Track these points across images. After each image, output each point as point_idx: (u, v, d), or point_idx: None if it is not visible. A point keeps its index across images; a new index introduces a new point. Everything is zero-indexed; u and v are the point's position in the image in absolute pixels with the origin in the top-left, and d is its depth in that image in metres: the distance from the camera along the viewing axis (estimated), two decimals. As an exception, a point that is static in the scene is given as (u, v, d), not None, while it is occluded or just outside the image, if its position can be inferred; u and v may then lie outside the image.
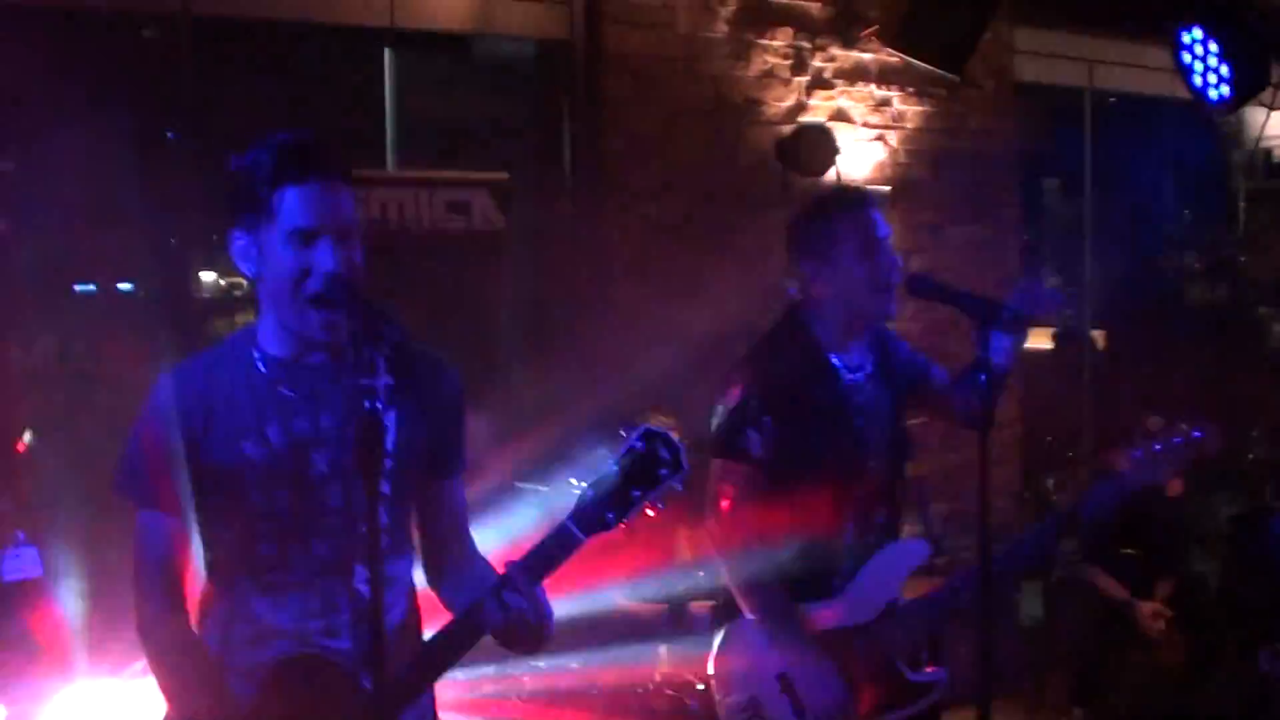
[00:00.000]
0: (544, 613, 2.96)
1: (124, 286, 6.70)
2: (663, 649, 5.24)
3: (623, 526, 2.94)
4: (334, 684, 2.97)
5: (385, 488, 3.01)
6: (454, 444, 3.18)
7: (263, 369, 3.03)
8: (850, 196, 4.19)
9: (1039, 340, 9.94)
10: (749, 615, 4.01)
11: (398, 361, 2.92)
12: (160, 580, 3.01)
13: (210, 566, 3.06)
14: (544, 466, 7.18)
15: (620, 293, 7.39)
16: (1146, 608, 6.64)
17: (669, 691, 5.20)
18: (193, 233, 6.61)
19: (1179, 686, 6.58)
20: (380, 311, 2.80)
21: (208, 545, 3.04)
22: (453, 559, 3.22)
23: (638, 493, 2.93)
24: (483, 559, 3.23)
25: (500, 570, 3.02)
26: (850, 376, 4.04)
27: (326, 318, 2.93)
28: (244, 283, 6.83)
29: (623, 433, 2.97)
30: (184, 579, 3.03)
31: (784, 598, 3.97)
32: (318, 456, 2.99)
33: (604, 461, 2.94)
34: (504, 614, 2.92)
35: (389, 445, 2.98)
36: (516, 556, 2.97)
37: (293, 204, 2.90)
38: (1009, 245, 8.94)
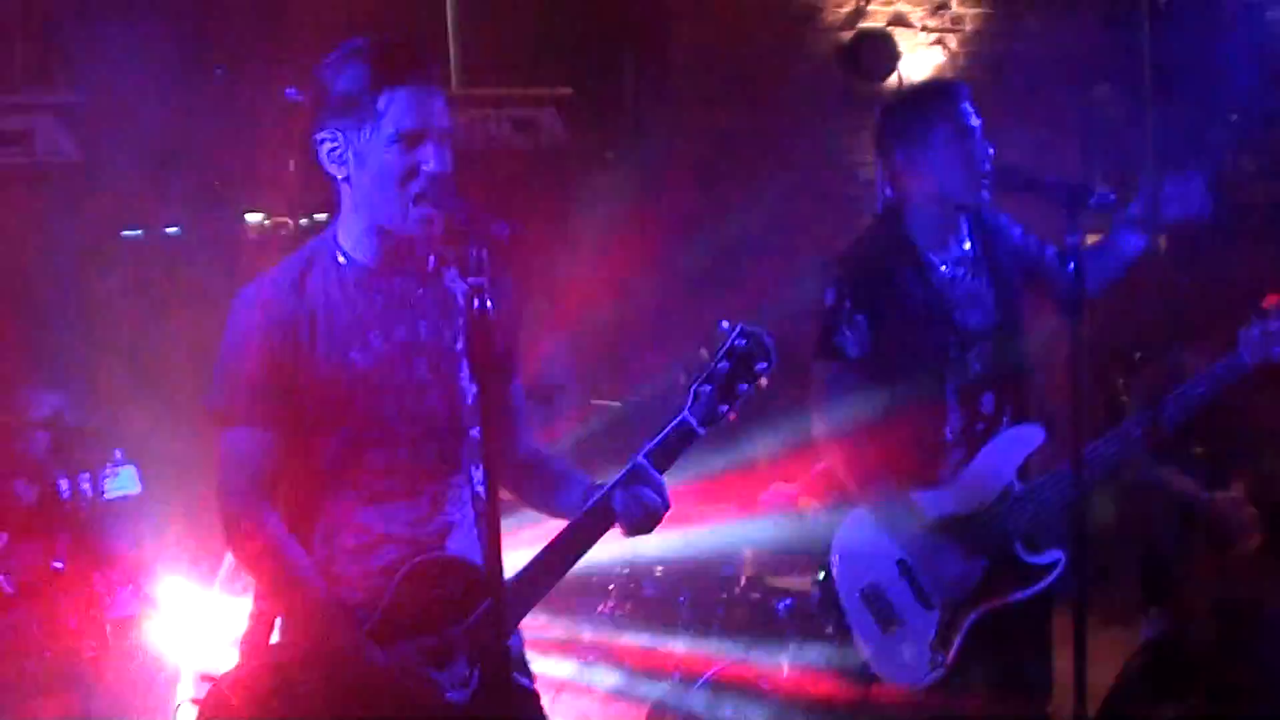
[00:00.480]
0: (667, 502, 3.04)
1: (171, 230, 6.75)
2: (747, 551, 5.27)
3: (733, 417, 3.02)
4: (462, 584, 3.02)
5: (474, 387, 3.06)
6: (516, 344, 3.24)
7: (353, 277, 3.04)
8: (942, 86, 4.22)
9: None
10: (864, 505, 4.06)
11: (474, 265, 2.92)
12: (257, 495, 3.01)
13: (311, 481, 3.06)
14: (618, 382, 7.26)
15: (684, 204, 7.38)
16: (1223, 496, 6.61)
17: (755, 595, 5.24)
18: (239, 173, 6.61)
19: (1254, 582, 6.57)
20: (484, 211, 2.81)
21: (309, 458, 3.04)
22: (533, 458, 3.27)
23: (744, 386, 2.99)
24: (550, 453, 3.31)
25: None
26: (947, 269, 4.06)
27: (426, 213, 2.94)
28: (289, 222, 6.88)
29: (723, 327, 3.00)
30: (276, 498, 3.04)
31: (895, 487, 4.02)
32: (419, 362, 3.02)
33: (708, 359, 2.99)
34: (637, 504, 3.00)
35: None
36: (640, 450, 3.04)
37: (399, 106, 2.91)
38: (1069, 148, 8.85)
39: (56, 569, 4.62)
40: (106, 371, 5.68)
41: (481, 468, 3.01)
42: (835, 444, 4.11)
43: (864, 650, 4.10)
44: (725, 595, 5.27)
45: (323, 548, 3.07)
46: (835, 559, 4.13)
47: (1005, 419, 4.10)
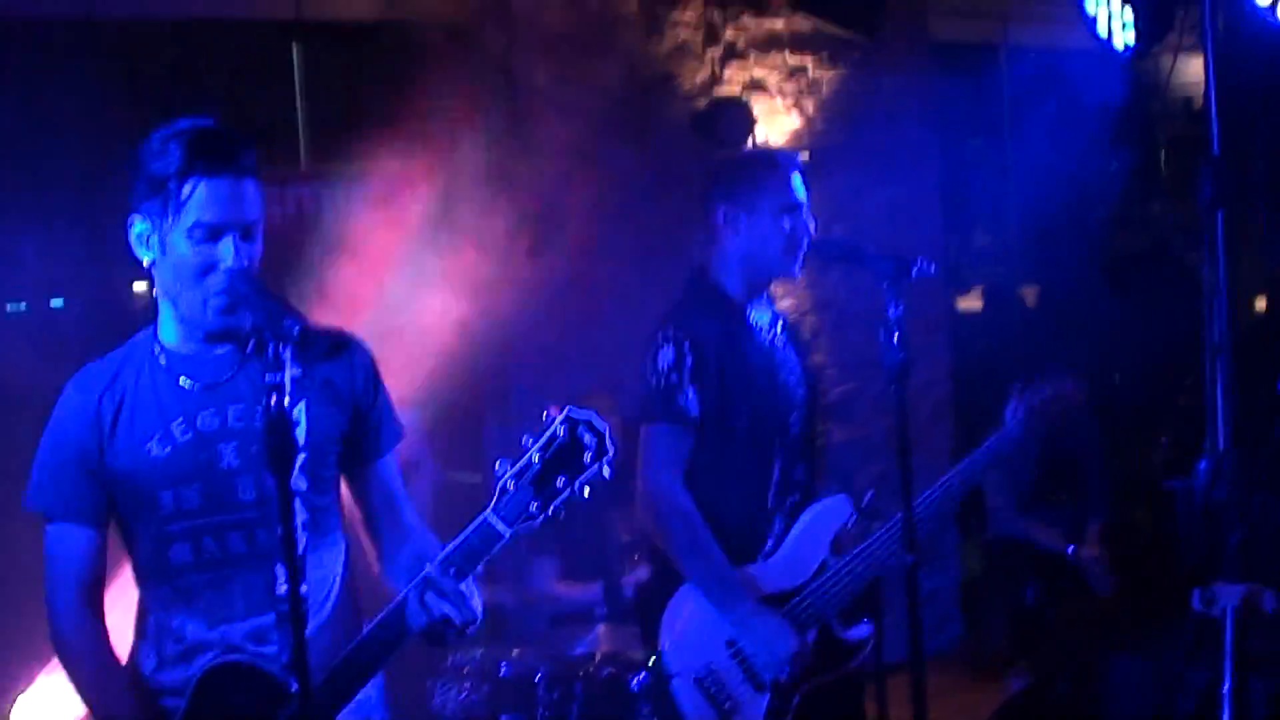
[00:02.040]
0: (469, 613, 2.87)
1: (55, 303, 6.61)
2: (601, 628, 5.23)
3: (547, 517, 2.84)
4: (263, 692, 2.92)
5: (303, 482, 2.97)
6: (375, 424, 3.14)
7: (164, 364, 3.00)
8: (777, 157, 4.25)
9: (970, 301, 10.00)
10: (690, 584, 4.03)
11: (303, 350, 2.87)
12: (76, 594, 2.97)
13: (136, 578, 3.04)
14: (476, 455, 7.19)
15: (540, 272, 7.36)
16: (1084, 550, 6.71)
17: (610, 670, 5.18)
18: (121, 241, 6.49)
19: (1117, 630, 6.66)
20: (282, 305, 2.79)
21: (130, 555, 3.01)
22: (391, 541, 3.17)
23: (563, 480, 2.80)
24: (423, 536, 3.15)
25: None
26: (768, 332, 4.06)
27: (223, 308, 2.91)
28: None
29: (545, 416, 2.82)
30: (100, 592, 3.00)
31: (724, 562, 3.97)
32: (225, 449, 2.96)
33: (525, 450, 2.81)
34: (427, 616, 2.85)
35: (302, 439, 2.95)
36: (437, 557, 2.89)
37: (200, 199, 2.87)
38: (929, 206, 8.97)
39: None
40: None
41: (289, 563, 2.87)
42: (666, 514, 4.01)
43: None
44: (582, 671, 5.22)
45: (151, 654, 3.02)
46: (665, 642, 4.07)
47: (812, 489, 4.12)
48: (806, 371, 4.15)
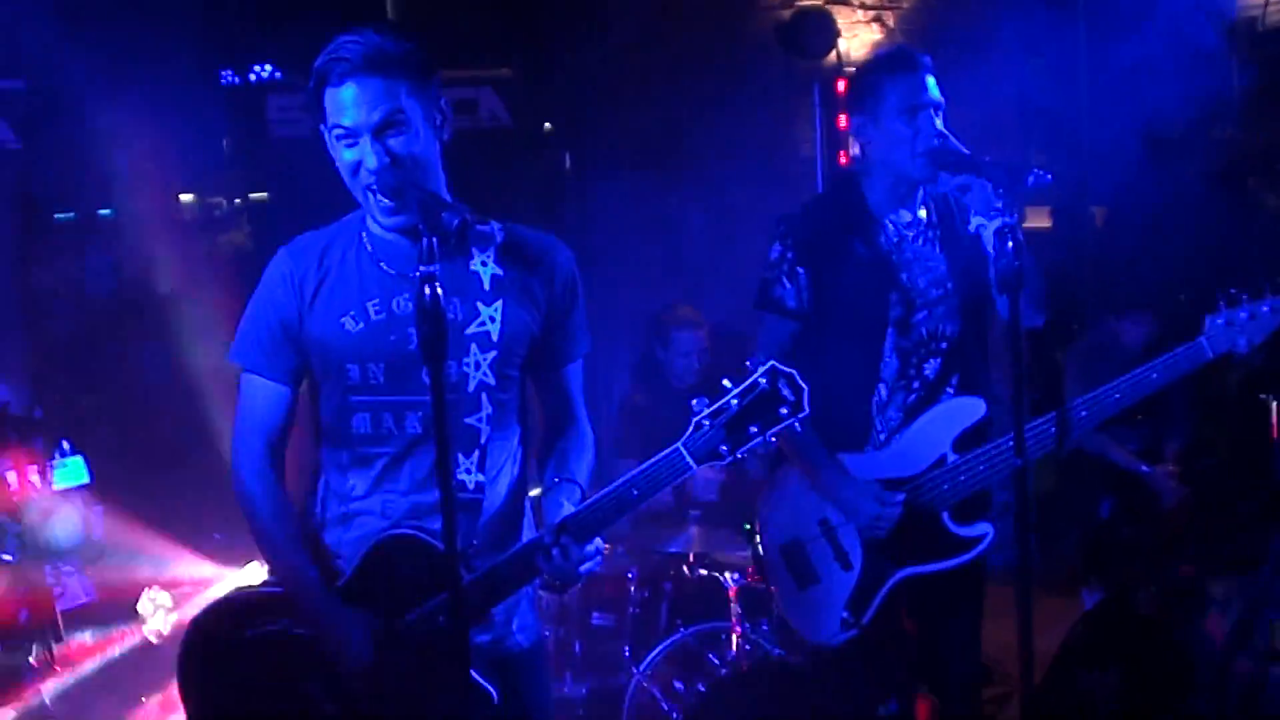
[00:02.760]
0: (576, 574, 2.98)
1: (104, 212, 6.71)
2: (694, 529, 5.31)
3: (733, 460, 2.91)
4: (428, 567, 3.03)
5: (489, 378, 3.07)
6: (567, 331, 3.22)
7: (369, 248, 3.12)
8: (901, 57, 4.11)
9: (1037, 219, 9.94)
10: (790, 464, 4.11)
11: (507, 251, 3.10)
12: (262, 444, 3.14)
13: (316, 437, 3.19)
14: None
15: (623, 185, 7.40)
16: (1159, 468, 6.72)
17: (703, 570, 5.29)
18: (172, 155, 6.58)
19: (1188, 551, 6.67)
20: (436, 199, 2.88)
21: (316, 417, 3.17)
22: (557, 444, 3.26)
23: (755, 428, 2.87)
24: (580, 454, 3.24)
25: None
26: (895, 231, 4.07)
27: (385, 206, 2.99)
28: (223, 202, 6.86)
29: (748, 365, 2.88)
30: (283, 448, 3.16)
31: (821, 445, 4.04)
32: (414, 333, 2.93)
33: (725, 392, 2.87)
34: (548, 566, 2.97)
35: (496, 336, 3.06)
36: (622, 479, 2.95)
37: (330, 108, 3.00)
38: (1008, 125, 8.90)
39: (6, 561, 4.60)
40: (49, 361, 5.65)
41: (471, 454, 3.05)
42: None
43: (780, 604, 4.15)
44: (673, 571, 5.32)
45: (318, 512, 3.18)
46: (761, 512, 4.18)
47: (948, 388, 4.09)
48: (959, 276, 4.12)
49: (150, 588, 4.85)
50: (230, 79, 7.05)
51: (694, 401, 2.88)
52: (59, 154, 6.21)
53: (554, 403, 3.28)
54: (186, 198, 7.07)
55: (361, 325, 3.08)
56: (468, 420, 3.08)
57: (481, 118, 6.98)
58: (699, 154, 7.36)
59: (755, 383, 2.87)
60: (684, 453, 2.89)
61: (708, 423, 2.87)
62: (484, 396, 3.08)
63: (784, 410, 2.87)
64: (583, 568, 2.98)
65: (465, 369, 3.07)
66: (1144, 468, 6.79)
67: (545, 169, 7.62)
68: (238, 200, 7.07)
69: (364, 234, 3.14)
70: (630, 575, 5.30)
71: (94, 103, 6.05)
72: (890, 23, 8.36)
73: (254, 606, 3.18)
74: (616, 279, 7.30)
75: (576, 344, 3.24)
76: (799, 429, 2.89)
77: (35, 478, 4.53)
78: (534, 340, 3.16)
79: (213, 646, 3.18)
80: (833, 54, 7.94)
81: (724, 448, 2.88)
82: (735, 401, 2.87)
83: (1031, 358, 8.77)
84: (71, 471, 4.63)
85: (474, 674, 2.99)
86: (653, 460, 2.92)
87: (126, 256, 6.41)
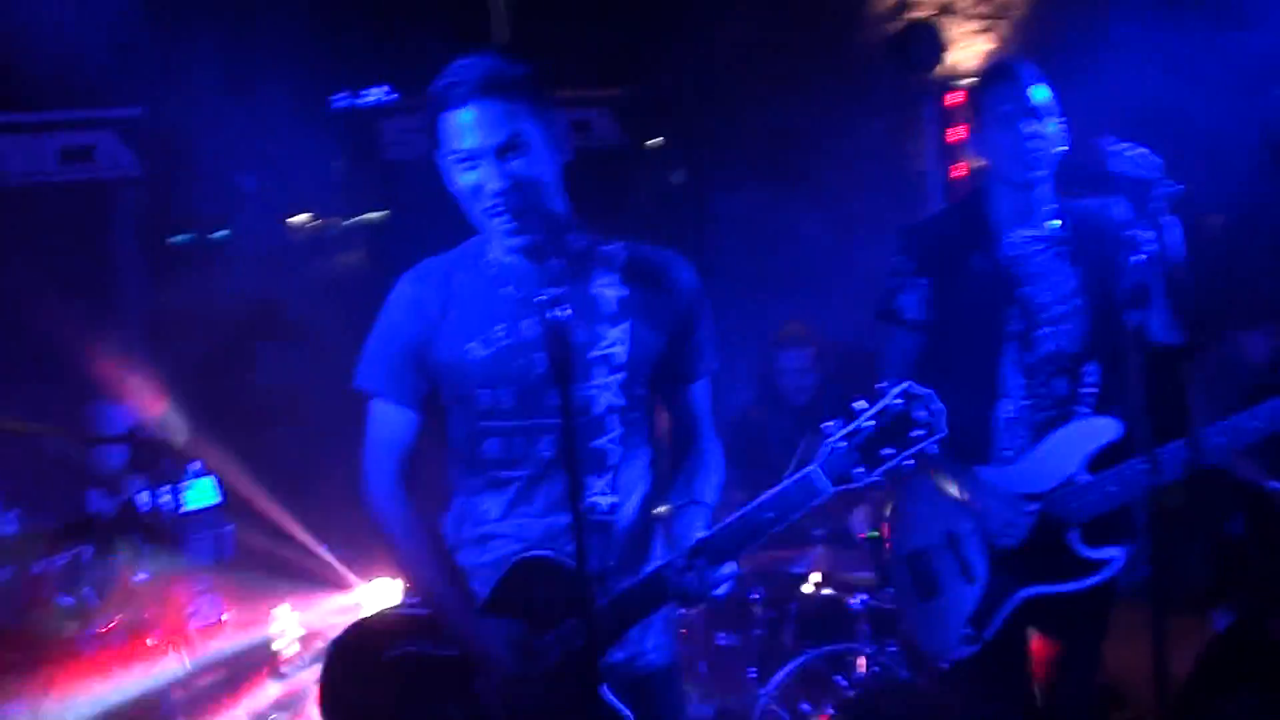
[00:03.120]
0: (710, 596, 2.95)
1: (219, 234, 6.81)
2: (819, 549, 5.26)
3: (868, 483, 2.85)
4: (564, 589, 3.00)
5: (619, 399, 3.07)
6: (695, 348, 3.19)
7: (494, 271, 3.12)
8: (1001, 67, 4.07)
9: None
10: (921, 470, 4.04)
11: (630, 270, 3.09)
12: (395, 467, 3.15)
13: (449, 461, 3.19)
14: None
15: (737, 201, 7.37)
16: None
17: (828, 591, 5.23)
18: (285, 177, 6.66)
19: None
20: (560, 220, 2.92)
21: (447, 441, 3.17)
22: (685, 462, 3.24)
23: (890, 450, 2.83)
24: (706, 475, 3.22)
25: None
26: (1019, 245, 4.00)
27: (509, 228, 2.99)
28: (337, 223, 6.93)
29: (881, 387, 2.83)
30: (411, 469, 3.16)
31: (952, 459, 3.95)
32: (540, 357, 3.01)
33: (859, 414, 2.82)
34: (681, 589, 2.93)
35: (623, 357, 3.06)
36: (753, 503, 2.92)
37: (447, 134, 3.00)
38: (1122, 136, 8.75)
39: (140, 581, 4.66)
40: (177, 384, 5.73)
41: (603, 475, 3.07)
42: None
43: (903, 613, 4.10)
44: (799, 591, 5.27)
45: (452, 534, 3.19)
46: (889, 519, 4.14)
47: (1082, 406, 4.00)
48: (1092, 293, 4.04)
49: (279, 609, 4.89)
50: (343, 102, 7.11)
51: (828, 424, 2.83)
52: (178, 179, 6.30)
53: (681, 420, 3.26)
54: (300, 219, 7.15)
55: (489, 351, 3.07)
56: (596, 443, 3.07)
57: (594, 138, 6.98)
58: (814, 167, 7.31)
59: (889, 405, 2.83)
60: (820, 474, 2.86)
61: (843, 444, 2.84)
62: (613, 418, 3.08)
63: (920, 432, 2.83)
64: (717, 590, 2.93)
65: (593, 391, 3.06)
66: (1275, 484, 6.62)
67: (660, 187, 7.61)
68: (350, 222, 7.13)
69: (486, 259, 3.13)
70: (755, 596, 5.25)
71: (210, 127, 6.13)
72: (1003, 33, 8.25)
73: (394, 628, 3.18)
74: (734, 294, 7.26)
75: (703, 361, 3.21)
76: (935, 450, 2.83)
77: (167, 498, 4.59)
78: (661, 359, 3.13)
79: (353, 668, 3.17)
80: (942, 66, 7.85)
81: (859, 470, 2.84)
82: (871, 423, 2.83)
83: (1164, 374, 8.63)
84: (202, 492, 4.68)
85: (609, 695, 2.95)
86: (786, 482, 2.89)
87: (243, 278, 6.49)
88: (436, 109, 3.00)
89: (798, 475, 2.87)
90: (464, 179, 3.00)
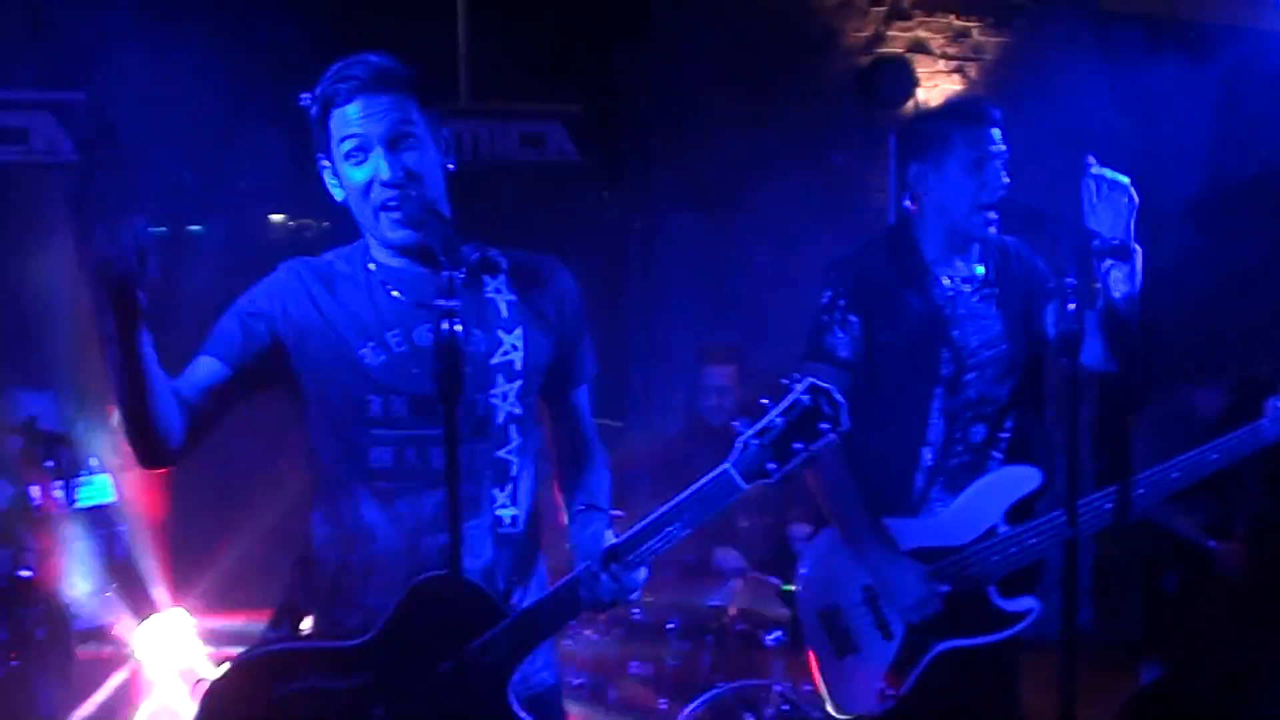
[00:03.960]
0: (625, 599, 2.93)
1: (194, 228, 6.72)
2: (736, 582, 5.21)
3: (780, 478, 2.86)
4: (467, 607, 2.92)
5: (517, 408, 3.02)
6: (579, 354, 3.18)
7: (380, 275, 3.04)
8: (970, 108, 4.04)
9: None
10: (834, 526, 3.98)
11: (516, 276, 3.04)
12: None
13: (324, 476, 3.05)
14: (619, 401, 7.19)
15: (691, 224, 7.33)
16: (1227, 546, 6.52)
17: (744, 625, 5.18)
18: (263, 174, 6.58)
19: (1255, 631, 6.46)
20: (455, 230, 2.81)
21: (315, 448, 3.03)
22: (576, 470, 3.20)
23: (799, 445, 2.84)
24: (600, 478, 3.20)
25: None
26: (950, 285, 3.95)
27: (394, 221, 2.94)
28: (312, 224, 6.86)
29: (785, 383, 2.85)
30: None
31: (865, 513, 3.92)
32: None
33: (768, 410, 2.84)
34: (594, 597, 2.90)
35: (519, 365, 3.01)
36: (671, 500, 2.88)
37: (340, 121, 2.95)
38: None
39: (23, 577, 4.55)
40: (91, 376, 5.63)
41: (504, 487, 3.01)
42: (823, 456, 4.02)
43: (820, 672, 4.00)
44: (715, 624, 5.20)
45: (322, 533, 3.05)
46: (801, 574, 4.05)
47: (996, 453, 3.97)
48: (1015, 339, 4.00)
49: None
50: (307, 100, 7.02)
51: (737, 422, 2.84)
52: (145, 168, 6.22)
53: (570, 426, 3.22)
54: (277, 218, 7.07)
55: (383, 357, 2.98)
56: (499, 454, 3.01)
57: (549, 152, 6.92)
58: (767, 197, 7.27)
59: (798, 400, 2.84)
60: (733, 474, 2.85)
61: (755, 442, 2.84)
62: (513, 428, 3.03)
63: (824, 425, 2.84)
64: (632, 596, 2.92)
65: (493, 401, 3.00)
66: (1211, 543, 6.58)
67: (610, 206, 7.56)
68: (326, 224, 7.03)
69: (370, 264, 3.06)
70: (671, 626, 5.19)
71: (186, 119, 6.05)
72: (972, 74, 8.24)
73: (277, 664, 2.99)
74: (679, 321, 7.23)
75: (587, 365, 3.22)
76: (836, 441, 2.85)
77: (59, 494, 4.49)
78: (550, 365, 3.11)
79: (238, 713, 2.99)
80: (911, 103, 7.82)
81: (771, 465, 2.84)
82: (781, 420, 2.84)
83: (1100, 423, 8.61)
84: (97, 489, 4.59)
85: (517, 708, 2.93)
86: (701, 482, 2.87)
87: (212, 272, 6.40)
88: (324, 109, 2.95)
89: (713, 474, 2.86)
90: (354, 175, 2.95)
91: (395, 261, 3.04)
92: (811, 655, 4.02)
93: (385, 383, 2.97)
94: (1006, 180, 3.89)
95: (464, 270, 2.83)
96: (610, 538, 2.93)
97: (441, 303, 2.65)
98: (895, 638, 3.91)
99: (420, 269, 3.01)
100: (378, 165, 2.93)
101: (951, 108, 4.13)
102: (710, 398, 5.95)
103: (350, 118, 2.94)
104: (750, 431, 2.84)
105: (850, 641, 3.95)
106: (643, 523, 2.88)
